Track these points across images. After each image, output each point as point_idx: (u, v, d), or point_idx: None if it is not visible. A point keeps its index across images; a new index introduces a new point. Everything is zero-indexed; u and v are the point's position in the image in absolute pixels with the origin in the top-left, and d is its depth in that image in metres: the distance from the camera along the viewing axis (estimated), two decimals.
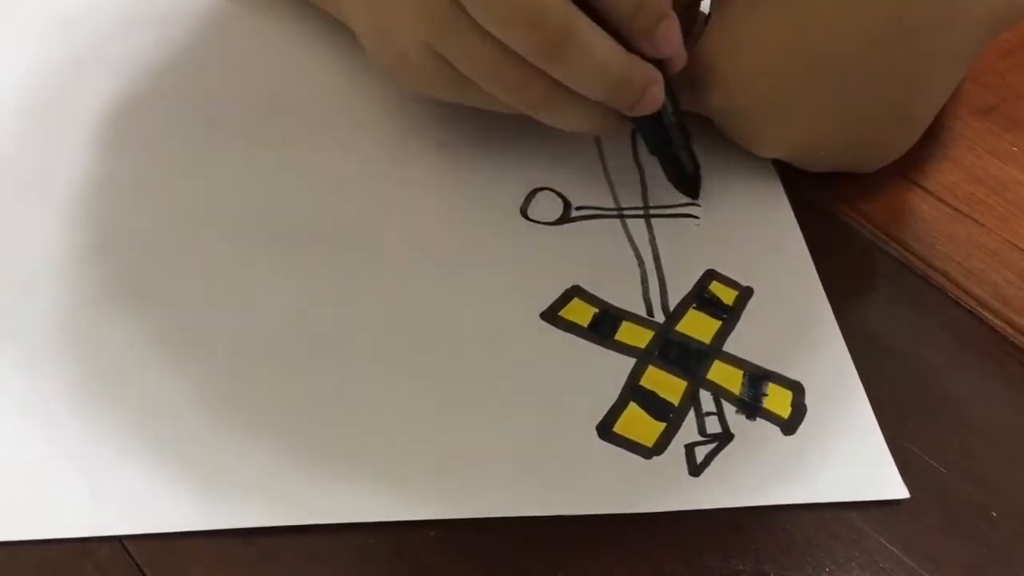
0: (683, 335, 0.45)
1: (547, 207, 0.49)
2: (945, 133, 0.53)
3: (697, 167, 0.49)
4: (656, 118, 0.46)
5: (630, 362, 0.44)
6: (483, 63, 0.44)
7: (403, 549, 0.40)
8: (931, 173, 0.52)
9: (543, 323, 0.45)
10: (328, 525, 0.40)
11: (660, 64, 0.45)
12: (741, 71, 0.48)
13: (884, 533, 0.41)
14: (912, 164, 0.52)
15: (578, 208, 0.49)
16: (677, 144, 0.48)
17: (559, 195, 0.49)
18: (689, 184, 0.49)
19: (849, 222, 0.50)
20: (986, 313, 0.47)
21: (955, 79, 0.49)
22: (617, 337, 0.45)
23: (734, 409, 0.43)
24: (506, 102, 0.45)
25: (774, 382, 0.44)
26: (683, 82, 0.50)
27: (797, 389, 0.44)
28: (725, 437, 0.43)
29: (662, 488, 0.41)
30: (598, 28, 0.43)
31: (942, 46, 0.46)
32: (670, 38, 0.44)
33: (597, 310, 0.46)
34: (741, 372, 0.44)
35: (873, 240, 0.50)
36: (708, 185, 0.50)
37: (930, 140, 0.52)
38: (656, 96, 0.45)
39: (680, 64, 0.46)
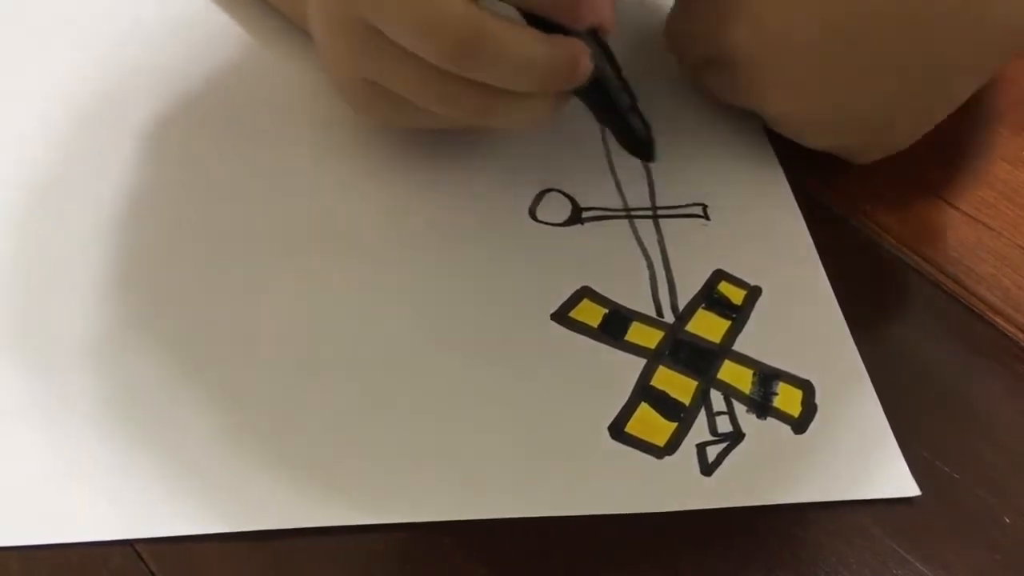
0: (693, 335, 0.46)
1: (555, 208, 0.49)
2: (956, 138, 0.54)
3: (648, 128, 0.46)
4: (597, 86, 0.44)
5: (640, 362, 0.44)
6: (411, 82, 0.44)
7: (415, 551, 0.40)
8: (942, 178, 0.52)
9: (554, 324, 0.45)
10: (340, 527, 0.40)
11: (593, 30, 0.44)
12: (767, 14, 0.47)
13: (897, 538, 0.41)
14: (922, 169, 0.52)
15: (586, 209, 0.49)
16: (623, 108, 0.45)
17: (567, 196, 0.49)
18: (644, 147, 0.47)
19: (860, 227, 0.50)
20: (997, 318, 0.47)
21: (972, 83, 0.49)
22: (627, 337, 0.45)
23: (745, 408, 0.44)
24: (446, 116, 0.45)
25: (784, 381, 0.44)
26: (706, 16, 0.49)
27: (807, 388, 0.44)
28: (736, 436, 0.43)
29: (674, 488, 0.41)
30: (506, 22, 0.42)
31: (961, 45, 0.46)
32: (593, 8, 0.43)
33: (607, 311, 0.46)
34: (751, 371, 0.45)
35: (884, 245, 0.50)
36: (715, 185, 0.50)
37: (940, 145, 0.53)
38: (584, 68, 0.43)
39: (611, 27, 0.44)
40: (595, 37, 0.44)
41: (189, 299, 0.46)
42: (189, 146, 0.51)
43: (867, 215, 0.51)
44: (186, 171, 0.50)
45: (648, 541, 0.41)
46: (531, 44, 0.43)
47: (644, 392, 0.44)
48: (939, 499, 0.42)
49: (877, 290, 0.49)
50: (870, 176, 0.51)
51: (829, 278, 0.48)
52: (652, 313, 0.46)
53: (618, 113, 0.46)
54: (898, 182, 0.52)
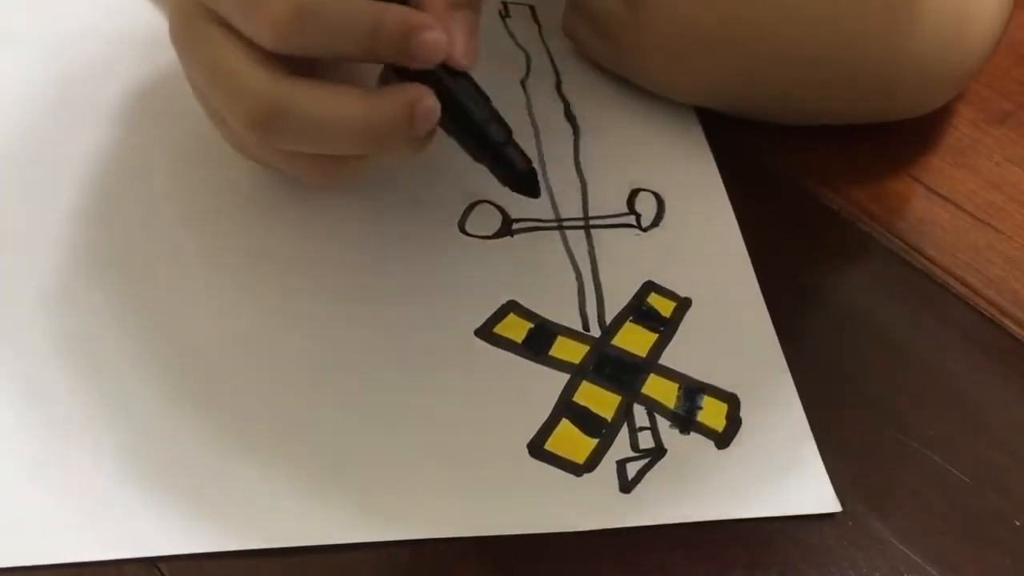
0: (619, 349, 0.45)
1: (485, 220, 0.49)
2: (963, 141, 0.53)
3: (528, 160, 0.44)
4: (465, 123, 0.43)
5: (564, 378, 0.44)
6: (238, 144, 0.44)
7: (428, 563, 0.40)
8: (949, 181, 0.52)
9: (477, 340, 0.45)
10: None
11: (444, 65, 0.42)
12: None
13: (907, 542, 0.41)
14: (930, 172, 0.52)
15: (517, 220, 0.49)
16: (498, 142, 0.43)
17: (498, 208, 0.49)
18: (525, 183, 0.44)
19: (868, 231, 0.50)
20: (1007, 321, 0.47)
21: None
22: (551, 353, 0.45)
23: (668, 423, 0.43)
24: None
25: (710, 395, 0.44)
26: None
27: (733, 401, 0.44)
28: (658, 452, 0.42)
29: (591, 506, 0.41)
30: (317, 87, 0.40)
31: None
32: (430, 49, 0.41)
33: (532, 325, 0.46)
34: (677, 386, 0.44)
35: (892, 249, 0.49)
36: (649, 194, 0.50)
37: (947, 148, 0.53)
38: (426, 112, 0.41)
39: (468, 59, 0.42)
40: (453, 72, 0.42)
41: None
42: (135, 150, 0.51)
43: (875, 220, 0.50)
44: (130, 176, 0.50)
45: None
46: (343, 106, 0.40)
47: (566, 408, 0.43)
48: (950, 503, 0.42)
49: (886, 295, 0.48)
50: (875, 175, 0.51)
51: (838, 283, 0.48)
52: (579, 327, 0.46)
53: (492, 149, 0.43)
54: (907, 187, 0.51)
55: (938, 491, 0.42)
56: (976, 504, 0.42)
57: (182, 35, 0.42)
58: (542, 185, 0.50)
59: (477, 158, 0.44)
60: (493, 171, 0.44)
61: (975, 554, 0.41)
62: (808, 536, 0.41)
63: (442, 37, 0.41)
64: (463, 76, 0.43)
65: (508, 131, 0.43)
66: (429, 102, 0.41)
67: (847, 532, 0.41)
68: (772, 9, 0.47)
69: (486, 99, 0.43)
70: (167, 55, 0.53)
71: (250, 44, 0.40)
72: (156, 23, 0.54)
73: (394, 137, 0.42)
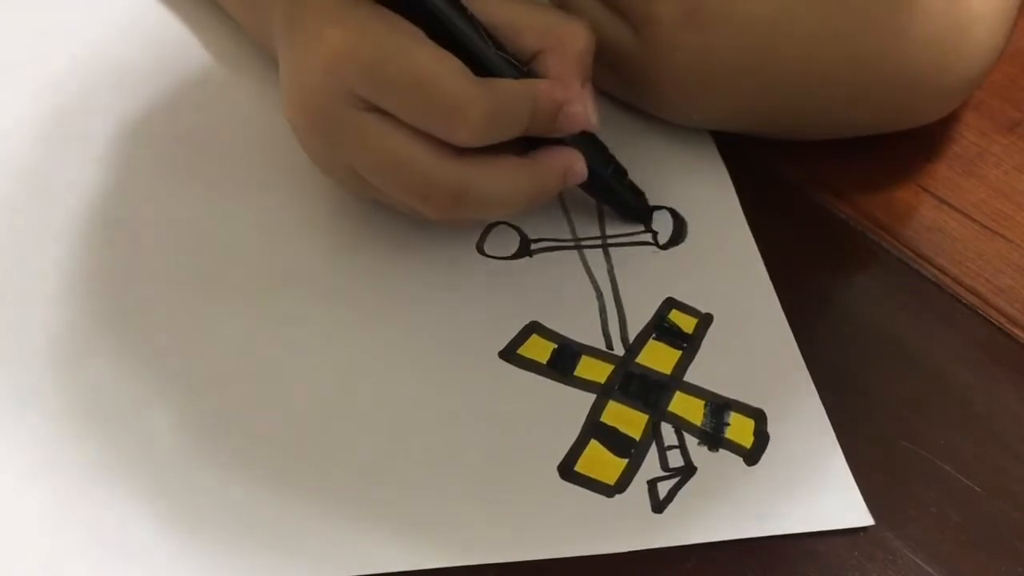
0: (643, 367, 0.45)
1: (503, 241, 0.49)
2: (971, 150, 0.54)
3: (643, 198, 0.49)
4: (592, 176, 0.46)
5: (590, 398, 0.44)
6: (405, 208, 0.45)
7: None
8: (958, 190, 0.52)
9: (502, 362, 0.45)
10: None
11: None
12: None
13: (919, 553, 0.41)
14: (938, 181, 0.52)
15: (535, 241, 0.49)
16: (619, 190, 0.48)
17: (515, 228, 0.49)
18: (639, 217, 0.49)
19: (878, 241, 0.50)
20: (1017, 330, 0.47)
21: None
22: (576, 373, 0.45)
23: (696, 441, 0.43)
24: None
25: (736, 411, 0.44)
26: None
27: (759, 417, 0.44)
28: (688, 470, 0.42)
29: (624, 527, 0.41)
30: (489, 163, 0.44)
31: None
32: (574, 121, 0.45)
33: (556, 346, 0.45)
34: (703, 402, 0.44)
35: (901, 258, 0.49)
36: (665, 211, 0.50)
37: (956, 157, 0.53)
38: (579, 173, 0.46)
39: (597, 127, 0.46)
40: (583, 134, 0.46)
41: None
42: (151, 164, 0.51)
43: (885, 230, 0.50)
44: (146, 191, 0.50)
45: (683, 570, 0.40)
46: (516, 179, 0.45)
47: (594, 429, 0.43)
48: (962, 513, 0.42)
49: (896, 305, 0.48)
50: (884, 185, 0.52)
51: (848, 294, 0.48)
52: (602, 346, 0.46)
53: (614, 196, 0.48)
54: (915, 197, 0.52)
55: (950, 501, 0.42)
56: (988, 514, 0.42)
57: (324, 120, 0.44)
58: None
59: (598, 200, 0.49)
60: (612, 209, 0.49)
61: (988, 564, 0.41)
62: (820, 547, 0.41)
63: (582, 110, 0.45)
64: (588, 134, 0.46)
65: (625, 175, 0.48)
66: (580, 166, 0.46)
67: (859, 543, 0.41)
68: (778, 35, 0.47)
69: (604, 148, 0.47)
70: (162, 83, 0.53)
71: (421, 133, 0.42)
72: (152, 51, 0.55)
73: (552, 195, 0.46)
